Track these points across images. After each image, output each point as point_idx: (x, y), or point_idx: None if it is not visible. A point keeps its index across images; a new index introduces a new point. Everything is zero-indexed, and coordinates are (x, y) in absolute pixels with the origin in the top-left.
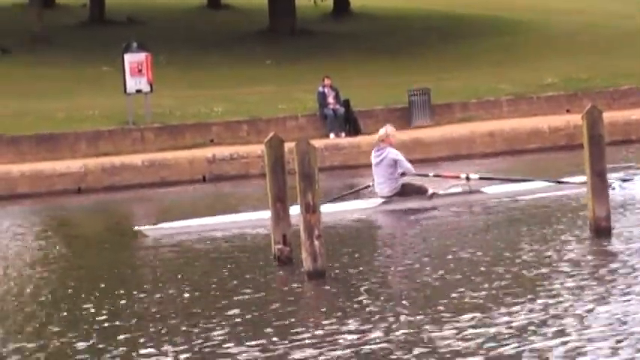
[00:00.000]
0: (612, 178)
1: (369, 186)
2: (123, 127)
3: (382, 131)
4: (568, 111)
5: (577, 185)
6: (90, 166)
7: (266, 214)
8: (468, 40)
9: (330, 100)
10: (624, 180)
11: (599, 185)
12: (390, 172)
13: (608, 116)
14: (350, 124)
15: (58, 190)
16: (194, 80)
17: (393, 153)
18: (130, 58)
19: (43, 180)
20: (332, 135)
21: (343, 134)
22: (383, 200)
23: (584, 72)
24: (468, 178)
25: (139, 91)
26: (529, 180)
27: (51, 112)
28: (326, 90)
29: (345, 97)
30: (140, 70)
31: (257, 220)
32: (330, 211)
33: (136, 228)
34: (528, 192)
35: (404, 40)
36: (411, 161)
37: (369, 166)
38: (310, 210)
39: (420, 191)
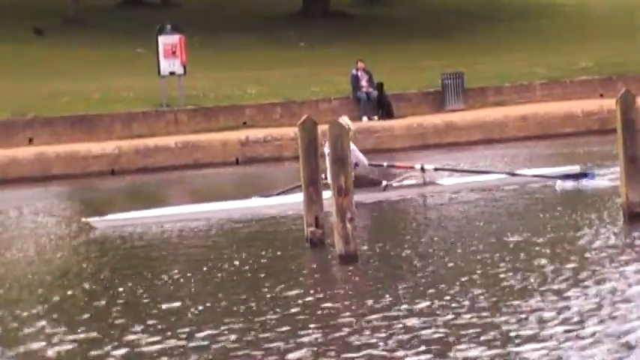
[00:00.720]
0: (568, 171)
1: (321, 178)
2: (157, 109)
3: None
4: (602, 95)
5: (531, 178)
6: (124, 147)
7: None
8: (502, 24)
9: (364, 83)
10: (577, 176)
11: (633, 170)
12: None
13: None
14: (383, 107)
15: (93, 172)
16: (228, 62)
17: None
18: (164, 40)
19: (78, 161)
20: (365, 118)
21: (376, 117)
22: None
23: (619, 56)
24: (422, 169)
25: (172, 73)
26: (484, 172)
27: (85, 93)
28: (359, 73)
29: (378, 80)
30: (174, 52)
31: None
32: (283, 202)
33: (84, 219)
34: (484, 184)
35: (438, 23)
36: (442, 145)
37: (403, 149)
38: (343, 193)
39: (373, 183)
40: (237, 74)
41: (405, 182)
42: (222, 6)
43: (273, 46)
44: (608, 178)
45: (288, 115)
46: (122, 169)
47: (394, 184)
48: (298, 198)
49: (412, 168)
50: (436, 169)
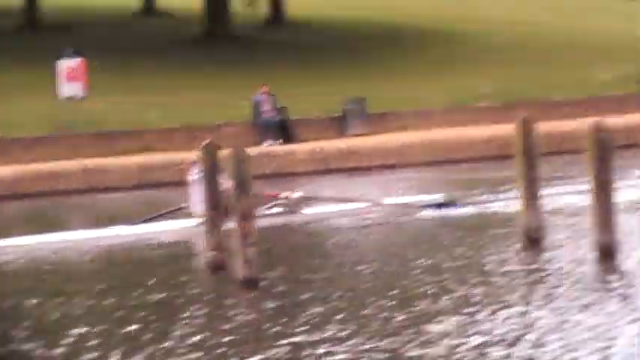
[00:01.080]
0: (432, 200)
1: (181, 207)
2: (56, 132)
3: None
4: (501, 121)
5: (394, 207)
6: (23, 172)
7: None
8: (405, 50)
9: (267, 107)
10: (441, 205)
11: (531, 195)
12: None
13: (541, 127)
14: (285, 131)
15: None
16: (129, 86)
17: None
18: (65, 64)
19: None
20: (266, 142)
21: (278, 142)
22: (201, 220)
23: (519, 83)
24: (288, 198)
25: (72, 97)
26: (349, 200)
27: None
28: (263, 97)
29: (281, 104)
30: (75, 76)
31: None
32: (145, 231)
33: None
34: (347, 213)
35: (343, 49)
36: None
37: (305, 174)
38: (245, 217)
39: None
40: (139, 98)
41: (273, 210)
42: (124, 29)
43: (175, 70)
44: (475, 205)
45: (190, 139)
46: (22, 194)
47: (260, 213)
48: (166, 225)
49: (277, 196)
50: (302, 198)
